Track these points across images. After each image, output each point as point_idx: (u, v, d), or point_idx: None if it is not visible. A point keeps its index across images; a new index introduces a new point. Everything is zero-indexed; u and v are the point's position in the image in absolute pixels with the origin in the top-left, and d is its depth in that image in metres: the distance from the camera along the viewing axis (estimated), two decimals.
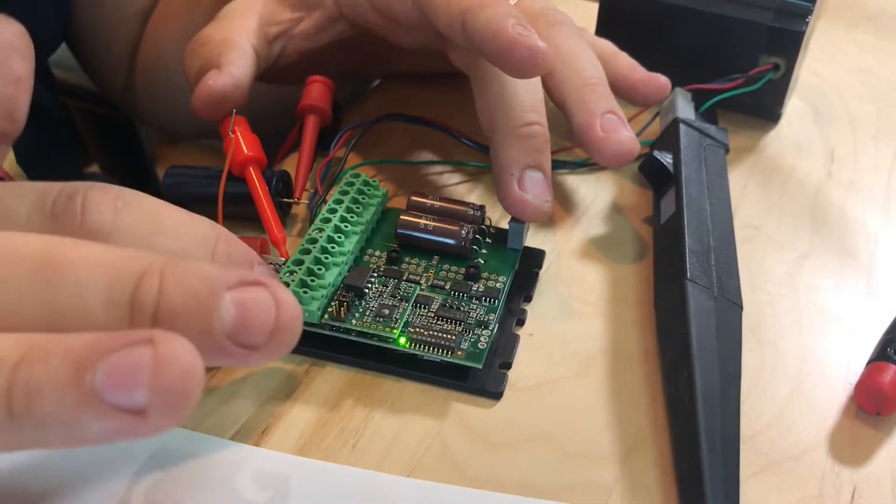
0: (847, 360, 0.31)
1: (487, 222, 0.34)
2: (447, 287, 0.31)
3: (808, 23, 0.40)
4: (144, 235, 0.23)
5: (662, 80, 0.38)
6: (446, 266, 0.32)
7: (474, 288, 0.31)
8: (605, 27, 0.44)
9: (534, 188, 0.32)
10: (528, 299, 0.33)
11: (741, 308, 0.30)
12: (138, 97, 0.50)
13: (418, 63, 0.43)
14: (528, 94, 0.33)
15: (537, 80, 0.34)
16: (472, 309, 0.30)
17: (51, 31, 0.47)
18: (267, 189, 0.33)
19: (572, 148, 0.41)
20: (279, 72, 0.37)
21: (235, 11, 0.35)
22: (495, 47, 0.29)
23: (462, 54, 0.35)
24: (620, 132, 0.34)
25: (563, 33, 0.36)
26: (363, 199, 0.33)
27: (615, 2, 0.43)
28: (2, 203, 0.22)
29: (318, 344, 0.29)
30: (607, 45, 0.39)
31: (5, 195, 0.22)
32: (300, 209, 0.36)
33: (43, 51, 0.47)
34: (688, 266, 0.30)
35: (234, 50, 0.33)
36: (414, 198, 0.33)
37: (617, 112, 0.34)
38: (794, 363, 0.31)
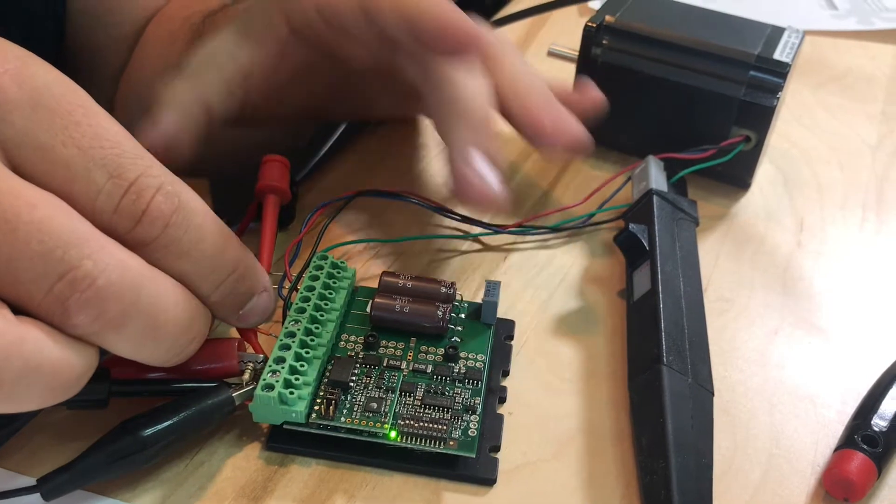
0: (816, 443, 0.32)
1: (459, 297, 0.34)
2: (428, 371, 0.31)
3: (778, 98, 0.41)
4: (171, 256, 0.26)
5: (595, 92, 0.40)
6: (424, 347, 0.32)
7: (455, 370, 0.31)
8: None
9: (482, 172, 0.33)
10: (506, 374, 0.33)
11: (712, 394, 0.31)
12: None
13: (382, 106, 0.44)
14: (480, 95, 0.34)
15: (488, 82, 0.35)
16: (457, 393, 0.31)
17: (46, 53, 0.48)
18: None
19: (549, 213, 0.41)
20: (250, 113, 0.38)
21: (196, 69, 0.36)
22: (433, 26, 0.32)
23: (412, 66, 0.36)
24: (569, 121, 0.36)
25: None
26: (334, 282, 0.33)
27: (592, 69, 0.44)
28: (86, 163, 0.24)
29: (304, 442, 0.29)
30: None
31: (92, 154, 0.24)
32: None
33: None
34: (664, 351, 0.31)
35: (170, 111, 0.34)
36: (386, 278, 0.34)
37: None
38: (766, 446, 0.31)
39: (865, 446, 0.30)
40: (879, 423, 0.31)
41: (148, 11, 0.49)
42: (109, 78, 0.50)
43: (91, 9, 0.49)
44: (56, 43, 0.48)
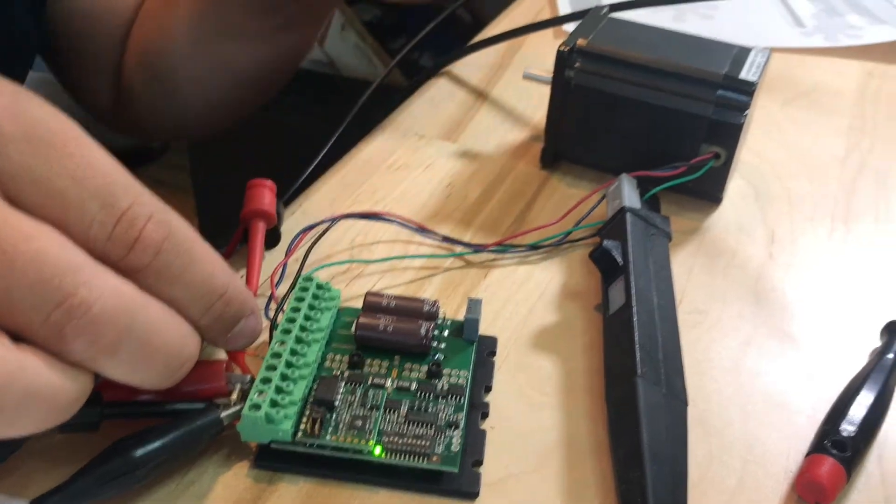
0: (788, 449, 0.33)
1: (442, 315, 0.35)
2: (412, 388, 0.32)
3: (745, 116, 0.42)
4: (162, 282, 0.26)
5: None
6: (408, 365, 0.33)
7: (439, 386, 0.32)
8: (556, 114, 0.46)
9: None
10: (489, 389, 0.34)
11: (686, 404, 0.32)
12: (136, 97, 0.52)
13: None
14: None
15: None
16: (440, 409, 0.31)
17: (27, 44, 0.49)
18: None
19: (527, 232, 0.42)
20: None
21: None
22: None
23: None
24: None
25: None
26: (319, 303, 0.34)
27: (565, 91, 0.45)
28: (80, 193, 0.25)
29: (291, 460, 0.30)
30: None
31: (86, 185, 0.25)
32: None
33: (20, 66, 0.49)
34: (638, 363, 0.32)
35: None
36: (370, 298, 0.35)
37: None
38: (740, 453, 0.32)
39: (835, 451, 0.31)
40: (848, 428, 0.32)
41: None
42: (110, 59, 0.51)
43: (80, 11, 0.50)
44: (39, 37, 0.49)
